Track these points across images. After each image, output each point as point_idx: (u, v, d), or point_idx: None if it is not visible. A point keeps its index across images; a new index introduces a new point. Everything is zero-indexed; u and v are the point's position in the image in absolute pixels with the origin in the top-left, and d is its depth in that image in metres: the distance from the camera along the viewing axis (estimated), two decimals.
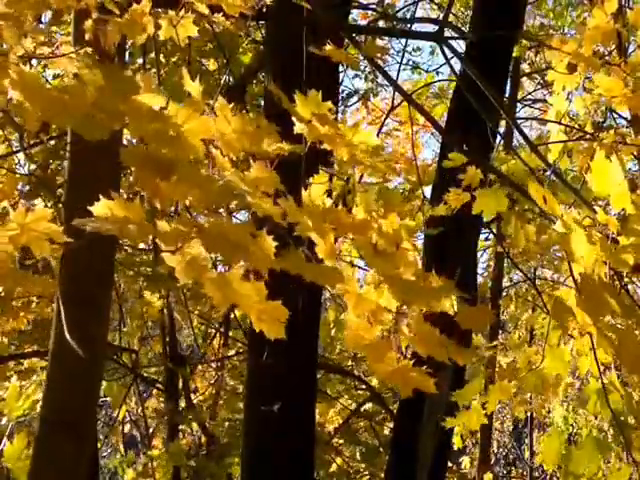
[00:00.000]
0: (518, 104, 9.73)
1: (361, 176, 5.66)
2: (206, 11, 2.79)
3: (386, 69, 8.73)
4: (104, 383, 7.23)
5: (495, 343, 7.11)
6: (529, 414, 10.77)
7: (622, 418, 3.51)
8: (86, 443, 3.14)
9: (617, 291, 2.09)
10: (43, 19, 5.20)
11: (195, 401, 8.33)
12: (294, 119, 2.08)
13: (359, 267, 2.04)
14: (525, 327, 10.64)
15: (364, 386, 8.20)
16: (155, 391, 9.18)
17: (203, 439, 8.02)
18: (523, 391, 3.58)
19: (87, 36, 2.78)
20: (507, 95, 7.89)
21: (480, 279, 10.03)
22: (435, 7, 9.78)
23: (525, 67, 10.18)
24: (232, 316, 8.14)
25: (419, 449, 5.15)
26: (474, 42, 5.22)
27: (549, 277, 10.78)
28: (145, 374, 8.40)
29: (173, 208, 1.82)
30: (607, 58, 3.30)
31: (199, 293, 7.56)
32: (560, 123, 4.04)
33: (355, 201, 2.31)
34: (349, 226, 1.96)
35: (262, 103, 6.92)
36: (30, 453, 3.16)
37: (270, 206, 1.83)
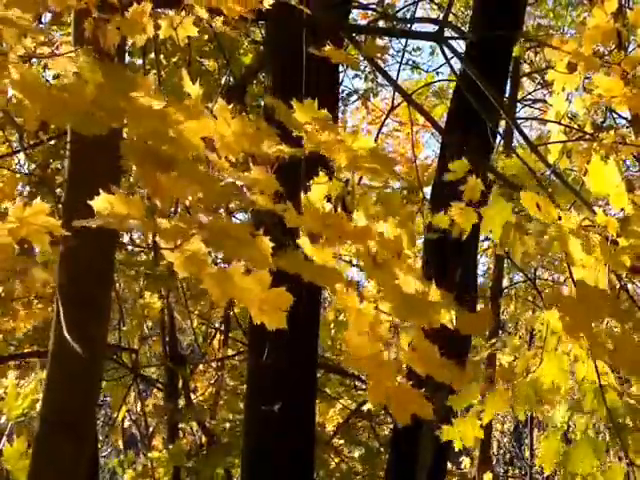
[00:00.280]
0: (518, 104, 9.73)
1: (360, 178, 5.66)
2: (205, 15, 2.79)
3: (386, 69, 8.73)
4: (104, 383, 7.23)
5: (494, 341, 7.10)
6: (529, 414, 10.77)
7: (619, 420, 3.51)
8: (86, 443, 3.14)
9: (615, 294, 2.09)
10: (43, 19, 5.20)
11: (195, 401, 8.33)
12: (291, 128, 2.07)
13: (354, 265, 2.04)
14: (525, 328, 10.64)
15: (364, 386, 8.20)
16: (155, 391, 9.18)
17: (203, 439, 8.02)
18: (520, 400, 3.55)
19: (87, 34, 2.78)
20: (507, 95, 7.89)
21: (480, 279, 10.03)
22: (435, 7, 9.78)
23: (525, 67, 10.18)
24: (232, 316, 8.15)
25: (419, 449, 5.15)
26: (474, 42, 5.22)
27: (549, 277, 10.78)
28: (145, 374, 8.41)
29: (173, 209, 1.82)
30: (607, 58, 3.29)
31: (199, 293, 7.57)
32: (560, 123, 4.04)
33: (355, 203, 2.31)
34: (349, 233, 1.95)
35: (262, 103, 6.92)
36: (30, 453, 3.15)
37: (270, 203, 1.83)
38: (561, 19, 9.63)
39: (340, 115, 9.11)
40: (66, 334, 2.80)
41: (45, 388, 3.15)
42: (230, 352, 8.52)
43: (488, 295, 9.50)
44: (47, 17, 5.39)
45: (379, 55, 3.17)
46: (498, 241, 3.06)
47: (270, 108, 2.05)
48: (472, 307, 5.53)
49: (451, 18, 8.73)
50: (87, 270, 3.09)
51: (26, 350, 6.95)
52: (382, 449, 7.81)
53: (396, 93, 4.62)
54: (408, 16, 8.06)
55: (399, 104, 6.64)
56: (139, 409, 8.63)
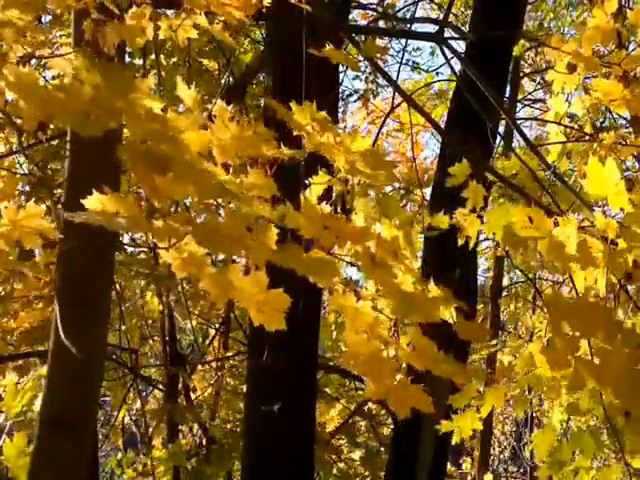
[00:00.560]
0: (518, 104, 9.73)
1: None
2: (205, 22, 2.79)
3: (386, 69, 8.72)
4: (104, 383, 7.23)
5: (495, 341, 7.11)
6: (529, 414, 10.77)
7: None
8: (86, 443, 3.14)
9: (614, 297, 2.08)
10: (43, 19, 5.20)
11: (195, 401, 8.33)
12: (292, 128, 2.06)
13: (350, 264, 2.03)
14: (525, 327, 10.64)
15: (364, 386, 8.18)
16: (155, 391, 9.18)
17: (203, 439, 8.02)
18: (521, 390, 3.57)
19: (86, 36, 2.78)
20: (507, 95, 7.89)
21: (480, 279, 10.03)
22: (435, 7, 9.78)
23: (525, 67, 10.18)
24: (232, 316, 8.15)
25: (419, 449, 5.16)
26: (474, 42, 5.22)
27: (549, 277, 10.77)
28: (145, 374, 8.40)
29: (173, 209, 1.82)
30: (607, 58, 3.29)
31: (199, 293, 7.56)
32: (559, 124, 4.04)
33: (354, 202, 2.31)
34: (348, 234, 1.94)
35: (262, 103, 6.92)
36: (30, 453, 3.15)
37: (268, 209, 1.83)
38: (561, 19, 9.63)
39: (340, 115, 9.12)
40: (63, 338, 2.80)
41: (45, 388, 3.15)
42: (230, 352, 8.52)
43: (488, 295, 9.51)
44: (47, 17, 5.39)
45: (379, 55, 3.16)
46: (501, 242, 3.06)
47: (270, 109, 2.05)
48: (472, 307, 5.53)
49: (451, 18, 8.73)
50: (86, 271, 3.09)
51: (26, 350, 6.95)
52: (382, 449, 7.81)
53: (396, 93, 4.62)
54: (408, 16, 8.06)
55: (399, 104, 6.64)
56: (139, 409, 8.62)
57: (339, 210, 2.26)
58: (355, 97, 9.84)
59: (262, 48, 7.28)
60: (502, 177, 3.48)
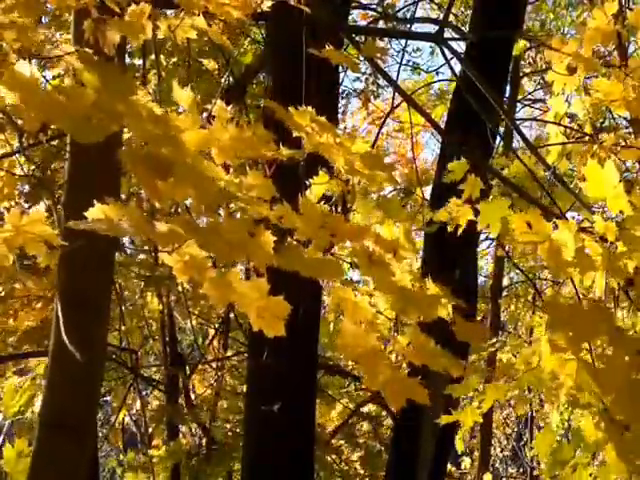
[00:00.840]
0: (518, 104, 9.72)
1: None
2: (203, 23, 2.78)
3: (386, 70, 8.72)
4: (104, 383, 7.23)
5: (495, 341, 7.11)
6: (529, 414, 10.77)
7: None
8: (86, 445, 3.13)
9: (614, 299, 2.08)
10: (43, 19, 5.20)
11: (195, 401, 8.33)
12: (292, 129, 2.06)
13: (350, 264, 2.03)
14: (525, 327, 10.64)
15: (364, 386, 8.19)
16: (155, 391, 9.18)
17: (203, 439, 8.02)
18: (521, 389, 3.58)
19: (86, 36, 2.78)
20: (507, 95, 7.89)
21: (480, 279, 10.03)
22: (435, 7, 9.78)
23: (525, 67, 10.17)
24: (232, 316, 8.14)
25: (419, 449, 5.16)
26: (474, 42, 5.22)
27: (549, 277, 10.77)
28: (145, 374, 8.40)
29: (173, 209, 1.82)
30: (607, 59, 3.29)
31: (199, 293, 7.56)
32: (559, 124, 4.04)
33: (355, 201, 2.31)
34: (345, 233, 1.94)
35: (262, 103, 6.92)
36: (30, 455, 3.15)
37: (267, 210, 1.83)
38: (561, 20, 9.62)
39: (340, 116, 9.12)
40: (67, 342, 2.80)
41: (45, 390, 3.14)
42: (230, 352, 8.52)
43: (488, 295, 9.51)
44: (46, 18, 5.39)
45: (379, 55, 3.16)
46: (496, 235, 3.06)
47: (269, 110, 2.05)
48: (472, 307, 5.53)
49: (451, 18, 8.73)
50: (86, 272, 3.08)
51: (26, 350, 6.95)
52: (383, 449, 7.81)
53: (396, 94, 4.62)
54: (408, 16, 8.06)
55: (399, 104, 6.64)
56: (139, 409, 8.63)
57: (339, 210, 2.26)
58: (355, 95, 9.85)
59: (262, 48, 7.28)
60: (502, 177, 3.48)
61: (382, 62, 7.81)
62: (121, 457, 8.57)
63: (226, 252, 1.71)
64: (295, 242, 1.88)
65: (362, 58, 3.93)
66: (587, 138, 4.02)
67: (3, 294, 6.40)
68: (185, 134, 1.72)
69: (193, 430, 8.39)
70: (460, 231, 3.45)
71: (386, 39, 9.09)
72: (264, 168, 1.89)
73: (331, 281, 2.00)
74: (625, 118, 6.62)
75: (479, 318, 9.23)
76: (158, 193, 1.65)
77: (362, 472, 8.03)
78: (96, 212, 1.70)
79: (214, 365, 8.63)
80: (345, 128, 10.25)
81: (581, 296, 2.08)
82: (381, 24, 7.36)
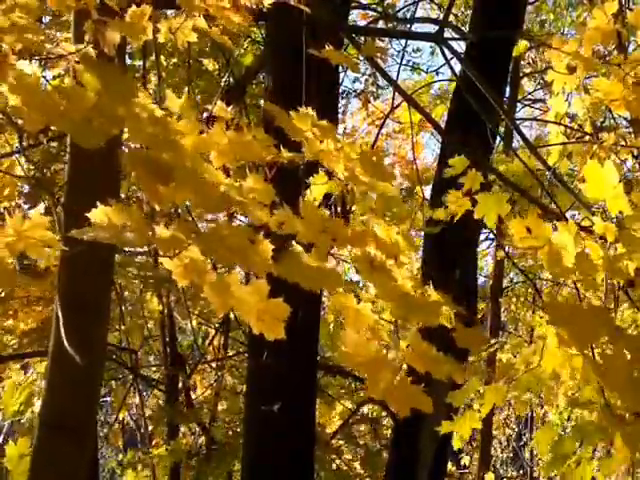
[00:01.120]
0: (518, 104, 9.72)
1: None
2: (204, 24, 2.78)
3: (386, 70, 8.72)
4: (104, 383, 7.23)
5: (494, 342, 7.11)
6: (529, 414, 10.77)
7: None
8: (86, 446, 3.13)
9: (614, 301, 2.08)
10: (43, 19, 5.19)
11: (195, 401, 8.33)
12: (292, 134, 2.05)
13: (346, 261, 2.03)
14: (525, 327, 10.64)
15: (364, 386, 8.17)
16: (155, 390, 9.18)
17: (203, 439, 8.02)
18: (521, 389, 3.58)
19: (87, 37, 2.78)
20: (507, 95, 7.88)
21: (480, 279, 10.03)
22: (435, 7, 9.78)
23: (525, 67, 10.17)
24: (232, 316, 8.14)
25: (419, 449, 5.16)
26: (474, 42, 5.22)
27: (549, 277, 10.76)
28: (145, 374, 8.40)
29: (173, 209, 1.82)
30: (607, 58, 3.29)
31: (199, 293, 7.56)
32: (559, 124, 4.04)
33: (354, 201, 2.30)
34: (346, 237, 1.94)
35: (262, 104, 6.92)
36: (30, 456, 3.15)
37: (267, 215, 1.82)
38: (561, 20, 9.62)
39: (340, 116, 9.11)
40: (67, 345, 2.79)
41: (45, 391, 3.14)
42: (230, 352, 8.52)
43: (488, 295, 9.51)
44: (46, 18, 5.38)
45: (379, 55, 3.16)
46: (495, 235, 3.05)
47: (269, 113, 2.04)
48: (472, 308, 5.53)
49: (451, 18, 8.72)
50: (86, 275, 3.08)
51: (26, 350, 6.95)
52: (382, 450, 7.81)
53: (396, 94, 4.62)
54: (408, 16, 8.05)
55: (399, 104, 6.64)
56: (139, 409, 8.63)
57: (339, 210, 2.26)
58: (355, 96, 9.85)
59: (262, 48, 7.27)
60: (502, 176, 3.47)
61: (382, 62, 7.81)
62: (120, 457, 8.56)
63: (227, 257, 1.71)
64: (298, 246, 1.88)
65: (362, 58, 3.93)
66: (587, 138, 4.02)
67: (3, 295, 6.40)
68: (185, 138, 1.71)
69: (192, 430, 8.39)
70: (456, 220, 3.45)
71: (386, 39, 9.09)
72: (264, 171, 1.89)
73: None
74: (625, 118, 6.62)
75: (479, 318, 9.24)
76: (158, 196, 1.65)
77: (362, 472, 8.03)
78: (98, 214, 1.70)
79: (214, 365, 8.63)
80: (345, 129, 10.26)
81: (581, 296, 2.07)
82: (381, 24, 7.36)
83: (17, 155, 4.72)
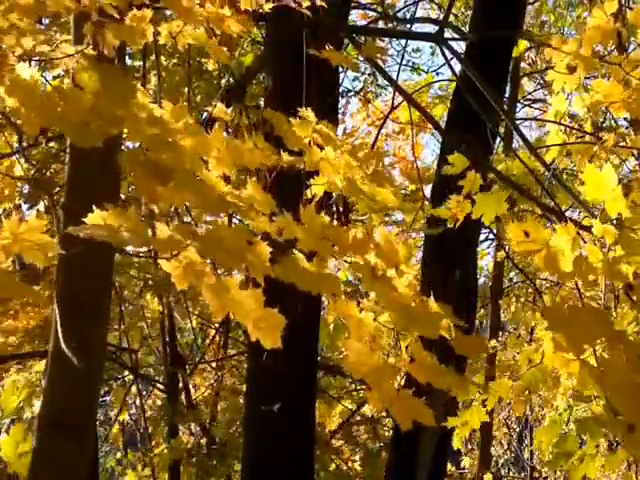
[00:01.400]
0: (518, 104, 9.72)
1: None
2: (204, 36, 2.78)
3: (386, 70, 8.72)
4: (104, 383, 7.23)
5: (494, 343, 7.11)
6: (529, 414, 10.76)
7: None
8: (87, 445, 3.13)
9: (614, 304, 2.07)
10: (43, 20, 5.19)
11: (195, 401, 8.33)
12: (291, 144, 2.05)
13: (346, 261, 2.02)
14: (525, 327, 10.63)
15: (364, 386, 8.19)
16: (155, 390, 9.19)
17: (203, 439, 8.02)
18: (522, 386, 3.58)
19: (87, 39, 2.77)
20: (507, 95, 7.88)
21: (480, 279, 10.03)
22: (435, 7, 9.77)
23: (525, 67, 10.17)
24: (232, 316, 8.14)
25: (419, 449, 5.15)
26: (474, 42, 5.22)
27: (549, 277, 10.76)
28: (145, 374, 8.40)
29: (173, 209, 1.81)
30: (607, 58, 3.29)
31: (199, 293, 7.55)
32: (560, 123, 4.04)
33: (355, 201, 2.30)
34: (347, 244, 1.94)
35: (261, 104, 6.92)
36: (30, 454, 3.15)
37: (266, 223, 1.82)
38: (561, 19, 9.62)
39: (340, 116, 9.10)
40: (64, 347, 2.80)
41: (45, 390, 3.14)
42: (230, 352, 8.52)
43: (488, 295, 9.50)
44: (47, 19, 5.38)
45: (379, 55, 3.17)
46: (496, 235, 3.05)
47: (269, 120, 2.04)
48: (472, 307, 5.53)
49: (451, 18, 8.72)
50: (84, 274, 3.08)
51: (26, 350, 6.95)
52: (382, 449, 7.82)
53: (396, 94, 4.62)
54: (408, 16, 8.06)
55: (399, 104, 6.64)
56: (139, 409, 8.63)
57: (341, 209, 2.25)
58: (354, 95, 9.85)
59: (262, 48, 7.27)
60: (503, 176, 3.48)
61: (382, 62, 7.80)
62: (118, 455, 8.56)
63: (225, 259, 1.71)
64: (299, 254, 1.88)
65: (362, 58, 3.93)
66: (587, 137, 4.02)
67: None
68: (184, 140, 1.71)
69: (192, 429, 8.39)
70: (459, 225, 3.45)
71: (386, 39, 9.09)
72: (265, 176, 1.89)
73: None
74: (625, 119, 6.62)
75: (479, 318, 9.23)
76: (157, 198, 1.65)
77: (361, 472, 8.04)
78: (95, 218, 1.70)
79: (214, 365, 8.63)
80: (345, 129, 10.25)
81: (582, 296, 2.07)
82: (381, 24, 7.35)
83: (17, 155, 4.72)
